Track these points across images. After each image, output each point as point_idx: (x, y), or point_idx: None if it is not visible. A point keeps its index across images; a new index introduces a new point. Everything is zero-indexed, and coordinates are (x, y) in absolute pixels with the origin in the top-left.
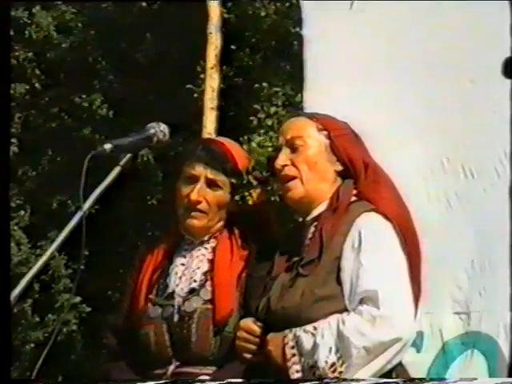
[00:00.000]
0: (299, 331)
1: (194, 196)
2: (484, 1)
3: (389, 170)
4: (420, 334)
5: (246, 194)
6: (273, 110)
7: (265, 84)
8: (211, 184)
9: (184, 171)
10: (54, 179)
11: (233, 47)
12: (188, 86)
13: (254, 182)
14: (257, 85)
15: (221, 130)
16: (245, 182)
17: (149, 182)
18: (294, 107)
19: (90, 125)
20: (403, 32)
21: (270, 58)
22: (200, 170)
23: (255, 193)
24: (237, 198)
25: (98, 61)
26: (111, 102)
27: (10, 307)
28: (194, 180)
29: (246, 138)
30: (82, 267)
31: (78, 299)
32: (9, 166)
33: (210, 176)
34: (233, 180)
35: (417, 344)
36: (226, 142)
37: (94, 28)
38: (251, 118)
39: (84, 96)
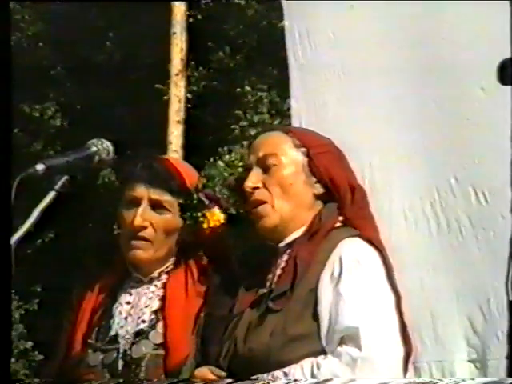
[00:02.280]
0: (266, 378)
1: (137, 221)
2: (484, 1)
3: (390, 194)
4: None
5: (199, 215)
6: (257, 118)
7: (248, 88)
8: (156, 206)
9: (124, 195)
10: None
11: (210, 45)
12: (157, 85)
13: (207, 201)
14: (238, 89)
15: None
16: (195, 201)
17: (113, 208)
18: (282, 116)
19: (41, 138)
20: (400, 34)
21: (253, 59)
22: (141, 190)
23: (210, 214)
24: (189, 221)
25: (52, 65)
26: (66, 111)
27: (9, 307)
28: (136, 203)
29: (225, 149)
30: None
31: (29, 344)
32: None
33: (154, 197)
34: (180, 200)
35: None
36: (171, 158)
37: (48, 27)
38: (232, 126)
39: (36, 105)
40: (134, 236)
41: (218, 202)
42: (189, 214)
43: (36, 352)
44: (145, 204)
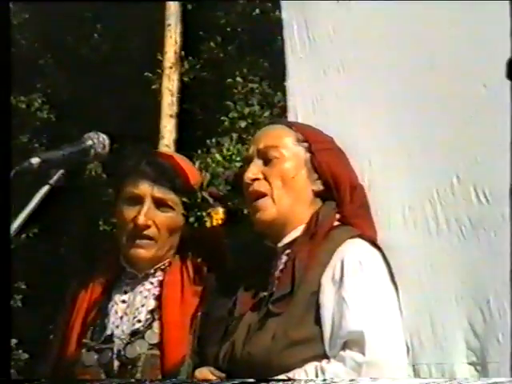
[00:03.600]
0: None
1: (141, 220)
2: (484, 1)
3: (389, 192)
4: None
5: (204, 214)
6: (247, 110)
7: (239, 79)
8: (160, 204)
9: (125, 191)
10: None
11: (201, 34)
12: (146, 73)
13: (211, 200)
14: (229, 80)
15: (183, 134)
16: (199, 200)
17: (99, 203)
18: (272, 108)
19: (27, 131)
20: (401, 29)
21: (245, 50)
22: (145, 188)
23: (214, 213)
24: (192, 219)
25: (38, 56)
26: (54, 103)
27: (9, 307)
28: (138, 201)
29: (213, 141)
30: (20, 304)
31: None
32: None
33: (158, 195)
34: (184, 198)
35: None
36: (174, 155)
37: (35, 18)
38: (222, 118)
39: (21, 97)
40: (137, 235)
41: (221, 201)
42: (193, 212)
43: (20, 351)
44: (148, 202)
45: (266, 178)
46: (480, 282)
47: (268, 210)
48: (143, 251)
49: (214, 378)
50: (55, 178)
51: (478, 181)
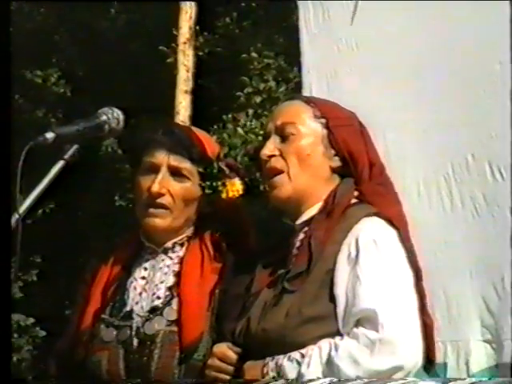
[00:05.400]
0: (282, 359)
1: (155, 188)
2: (484, 1)
3: (404, 168)
4: (443, 366)
5: (219, 184)
6: (263, 85)
7: (254, 54)
8: (175, 173)
9: (142, 162)
10: None
11: (217, 9)
12: (161, 47)
13: (227, 171)
14: (245, 55)
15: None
16: (215, 170)
17: (115, 179)
18: (288, 83)
19: (43, 105)
20: (416, 6)
21: (260, 25)
22: (161, 157)
23: (230, 184)
24: (208, 191)
25: (54, 31)
26: (69, 78)
27: (10, 307)
28: (154, 170)
29: (229, 116)
30: (35, 278)
31: (30, 321)
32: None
33: (174, 163)
34: (200, 168)
35: (439, 377)
36: (192, 127)
37: None
38: (237, 93)
39: (37, 71)
40: (152, 203)
41: (238, 172)
42: (208, 183)
43: (38, 328)
44: (164, 171)
45: (282, 155)
46: (494, 259)
47: (284, 187)
48: (158, 220)
49: (232, 353)
50: (70, 153)
51: (492, 157)
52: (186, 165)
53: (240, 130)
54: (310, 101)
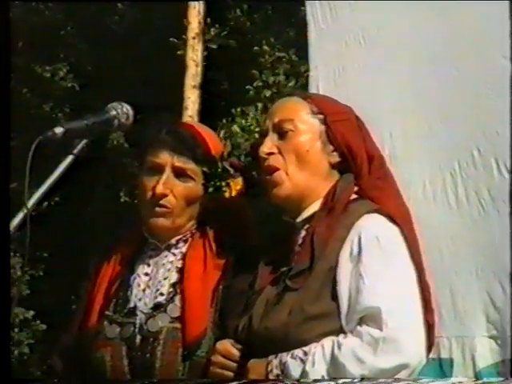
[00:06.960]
0: (286, 357)
1: (159, 189)
2: (484, 0)
3: (410, 164)
4: (449, 362)
5: (223, 184)
6: (272, 79)
7: (265, 48)
8: (179, 174)
9: (146, 161)
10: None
11: (228, 2)
12: (171, 39)
13: (232, 170)
14: (256, 48)
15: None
16: (219, 170)
17: (121, 174)
18: (297, 78)
19: (51, 100)
20: (423, 2)
21: (271, 19)
22: (165, 157)
23: (234, 183)
24: (212, 190)
25: (63, 25)
26: (78, 73)
27: (9, 307)
28: (158, 170)
29: (238, 110)
30: (41, 273)
31: (30, 314)
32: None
33: (178, 164)
34: (204, 168)
35: (445, 373)
36: (196, 124)
37: None
38: (247, 87)
39: (46, 66)
40: (155, 204)
41: (242, 171)
42: (212, 182)
43: (38, 321)
44: (168, 171)
45: (280, 153)
46: (500, 255)
47: (283, 184)
48: (162, 220)
49: (235, 350)
50: (79, 147)
51: (498, 153)
52: (190, 165)
53: (236, 128)
54: (306, 97)
